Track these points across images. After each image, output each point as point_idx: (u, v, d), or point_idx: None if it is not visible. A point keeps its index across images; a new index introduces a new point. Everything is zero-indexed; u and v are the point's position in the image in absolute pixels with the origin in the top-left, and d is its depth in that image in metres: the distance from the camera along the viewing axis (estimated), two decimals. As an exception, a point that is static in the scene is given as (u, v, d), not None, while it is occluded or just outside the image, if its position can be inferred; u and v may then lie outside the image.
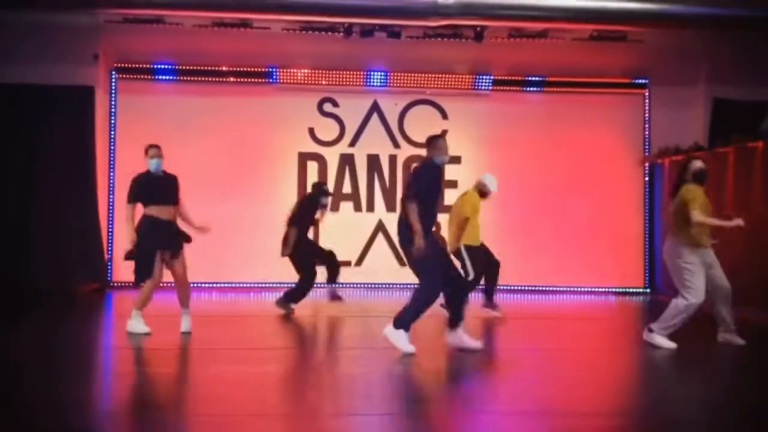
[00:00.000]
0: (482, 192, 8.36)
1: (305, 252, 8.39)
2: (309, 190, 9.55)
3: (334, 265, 8.58)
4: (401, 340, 5.94)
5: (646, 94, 11.07)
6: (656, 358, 6.24)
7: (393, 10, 7.21)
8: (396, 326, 5.96)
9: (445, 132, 6.56)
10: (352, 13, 7.39)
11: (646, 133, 11.09)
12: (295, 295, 8.35)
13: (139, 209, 6.76)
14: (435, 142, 6.55)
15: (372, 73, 10.67)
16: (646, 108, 11.08)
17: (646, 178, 11.07)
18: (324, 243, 10.74)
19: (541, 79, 10.93)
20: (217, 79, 10.60)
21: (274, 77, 10.56)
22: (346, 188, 10.82)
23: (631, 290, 10.94)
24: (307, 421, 4.42)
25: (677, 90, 10.95)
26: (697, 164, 6.89)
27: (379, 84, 10.73)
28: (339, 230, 10.69)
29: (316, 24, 9.73)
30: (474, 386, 5.55)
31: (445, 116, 10.96)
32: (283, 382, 5.51)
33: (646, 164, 11.08)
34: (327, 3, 7.26)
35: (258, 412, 4.44)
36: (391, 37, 10.01)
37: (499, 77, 10.86)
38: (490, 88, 10.82)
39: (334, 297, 8.69)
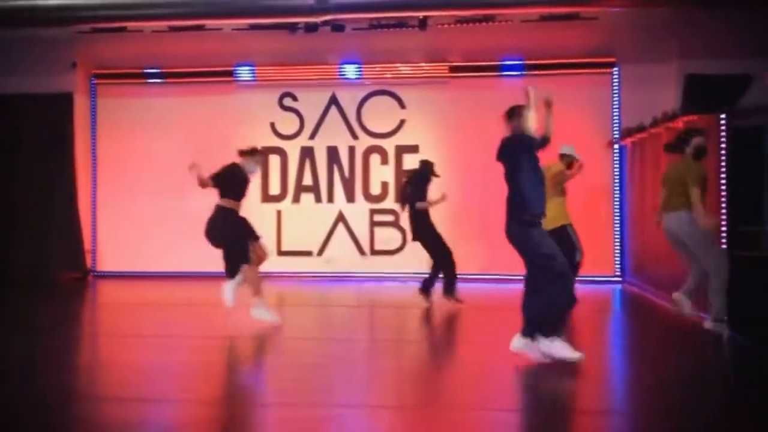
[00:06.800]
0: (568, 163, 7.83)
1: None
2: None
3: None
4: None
5: (614, 72, 10.56)
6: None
7: (277, 8, 7.42)
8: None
9: None
10: (247, 13, 7.65)
11: (615, 113, 10.59)
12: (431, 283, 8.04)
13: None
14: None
15: (328, 66, 10.93)
16: (615, 87, 10.57)
17: (616, 161, 10.57)
18: (287, 234, 11.19)
19: (499, 63, 10.72)
20: (184, 80, 11.23)
21: (237, 75, 11.05)
22: (307, 180, 11.12)
23: (601, 278, 10.50)
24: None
25: (646, 67, 10.36)
26: (698, 140, 6.66)
27: (336, 77, 10.95)
28: (300, 221, 11.08)
29: (260, 24, 10.07)
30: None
31: (402, 105, 11.00)
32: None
33: (616, 146, 10.57)
34: (222, 3, 7.55)
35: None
36: (335, 30, 10.19)
37: (456, 63, 10.77)
38: (448, 74, 10.77)
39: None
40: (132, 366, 5.49)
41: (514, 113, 5.55)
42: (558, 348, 5.15)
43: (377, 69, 10.87)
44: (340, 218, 11.02)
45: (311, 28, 10.10)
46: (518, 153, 5.35)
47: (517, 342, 5.26)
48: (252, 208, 11.04)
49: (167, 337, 6.67)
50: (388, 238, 10.95)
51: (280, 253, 11.13)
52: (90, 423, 4.13)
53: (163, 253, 11.11)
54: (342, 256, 10.96)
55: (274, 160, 11.15)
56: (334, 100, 11.04)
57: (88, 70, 11.32)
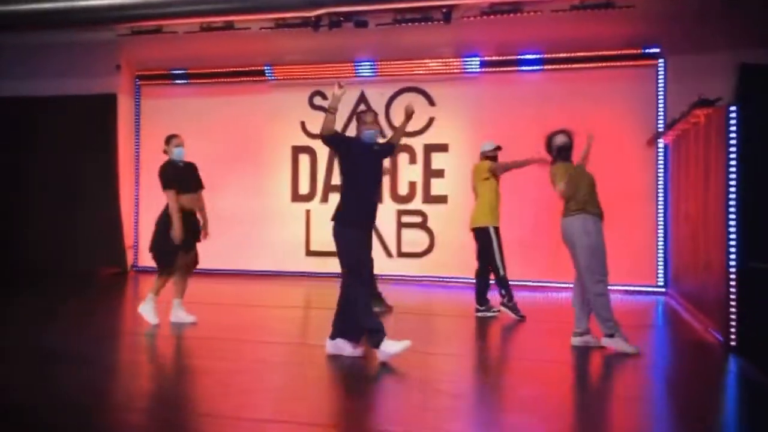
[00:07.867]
0: (487, 157, 7.80)
1: None
2: None
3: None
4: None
5: (659, 64, 9.69)
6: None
7: (270, 4, 7.30)
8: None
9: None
10: (243, 11, 7.59)
11: (660, 108, 9.71)
12: None
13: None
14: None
15: (356, 63, 10.73)
16: (659, 80, 9.70)
17: (660, 160, 9.70)
18: (315, 234, 11.06)
19: (532, 56, 10.11)
20: (219, 80, 11.38)
21: (269, 74, 11.06)
22: (335, 180, 10.91)
23: (643, 289, 9.66)
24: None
25: (695, 57, 9.40)
26: (558, 139, 6.27)
27: (364, 74, 10.73)
28: (328, 221, 10.89)
29: (288, 21, 9.98)
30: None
31: (432, 103, 10.60)
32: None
33: (659, 143, 9.68)
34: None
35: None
36: (358, 26, 9.96)
37: (487, 58, 10.26)
38: (479, 70, 10.28)
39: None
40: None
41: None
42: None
43: (405, 65, 10.55)
44: (368, 218, 10.76)
45: (334, 24, 9.94)
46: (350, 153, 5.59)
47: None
48: (282, 208, 11.15)
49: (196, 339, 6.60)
50: (415, 239, 10.61)
51: (309, 253, 11.05)
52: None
53: (202, 250, 11.23)
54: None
55: (304, 160, 11.08)
56: (363, 99, 10.82)
57: (132, 72, 11.71)
